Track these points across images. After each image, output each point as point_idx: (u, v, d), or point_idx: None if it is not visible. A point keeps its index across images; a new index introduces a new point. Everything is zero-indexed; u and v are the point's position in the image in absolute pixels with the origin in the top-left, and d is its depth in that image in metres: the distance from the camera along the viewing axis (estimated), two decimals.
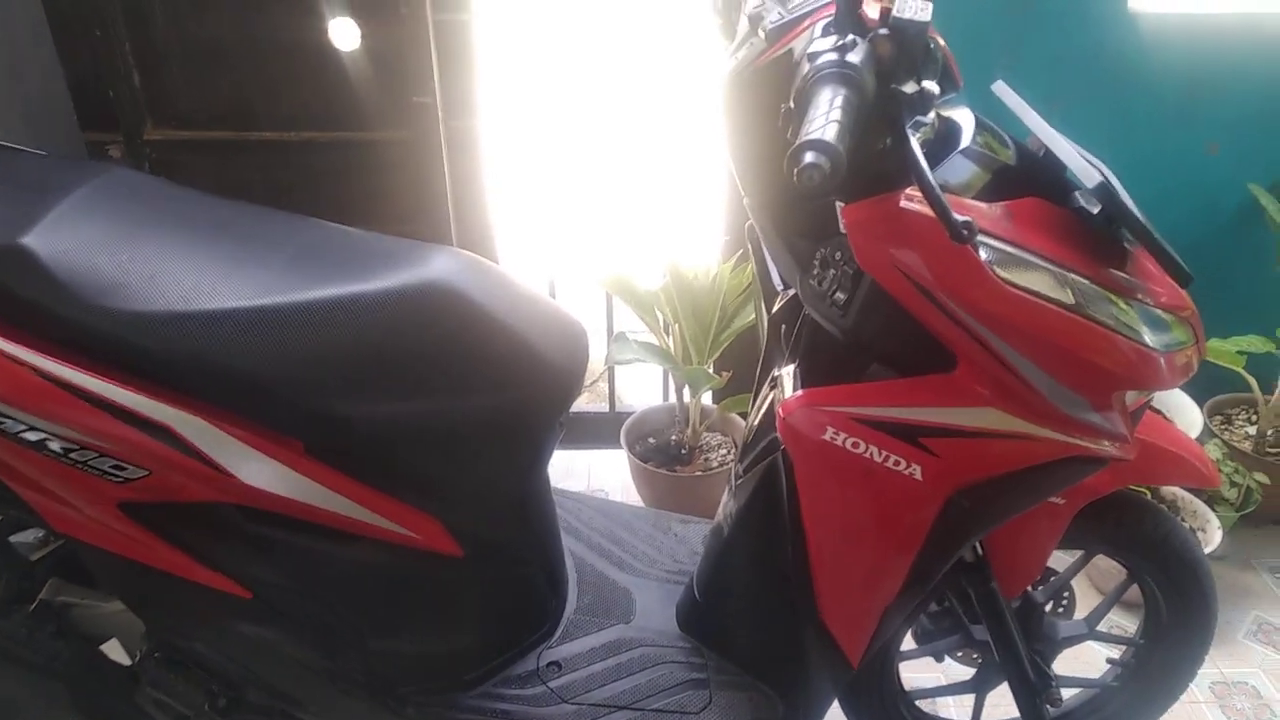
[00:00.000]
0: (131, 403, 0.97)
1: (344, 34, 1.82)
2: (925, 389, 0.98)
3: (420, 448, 1.12)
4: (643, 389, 2.51)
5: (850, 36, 0.83)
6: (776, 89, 0.93)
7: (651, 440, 2.10)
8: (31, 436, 0.98)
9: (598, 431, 2.29)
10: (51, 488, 1.04)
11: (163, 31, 1.85)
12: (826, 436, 0.98)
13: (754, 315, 1.90)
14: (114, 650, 1.34)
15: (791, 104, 0.83)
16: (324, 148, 1.93)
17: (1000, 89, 1.07)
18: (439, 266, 1.10)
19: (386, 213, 1.99)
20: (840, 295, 0.99)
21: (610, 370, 2.45)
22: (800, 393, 1.01)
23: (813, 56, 0.82)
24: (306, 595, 1.14)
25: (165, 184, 1.19)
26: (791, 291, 1.20)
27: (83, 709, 1.27)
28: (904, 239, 0.90)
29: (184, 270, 1.02)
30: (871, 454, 0.98)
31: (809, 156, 0.72)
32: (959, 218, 0.78)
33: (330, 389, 1.04)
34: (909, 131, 0.82)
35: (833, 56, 0.80)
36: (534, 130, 2.34)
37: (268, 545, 1.10)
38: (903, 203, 0.89)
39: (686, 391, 2.05)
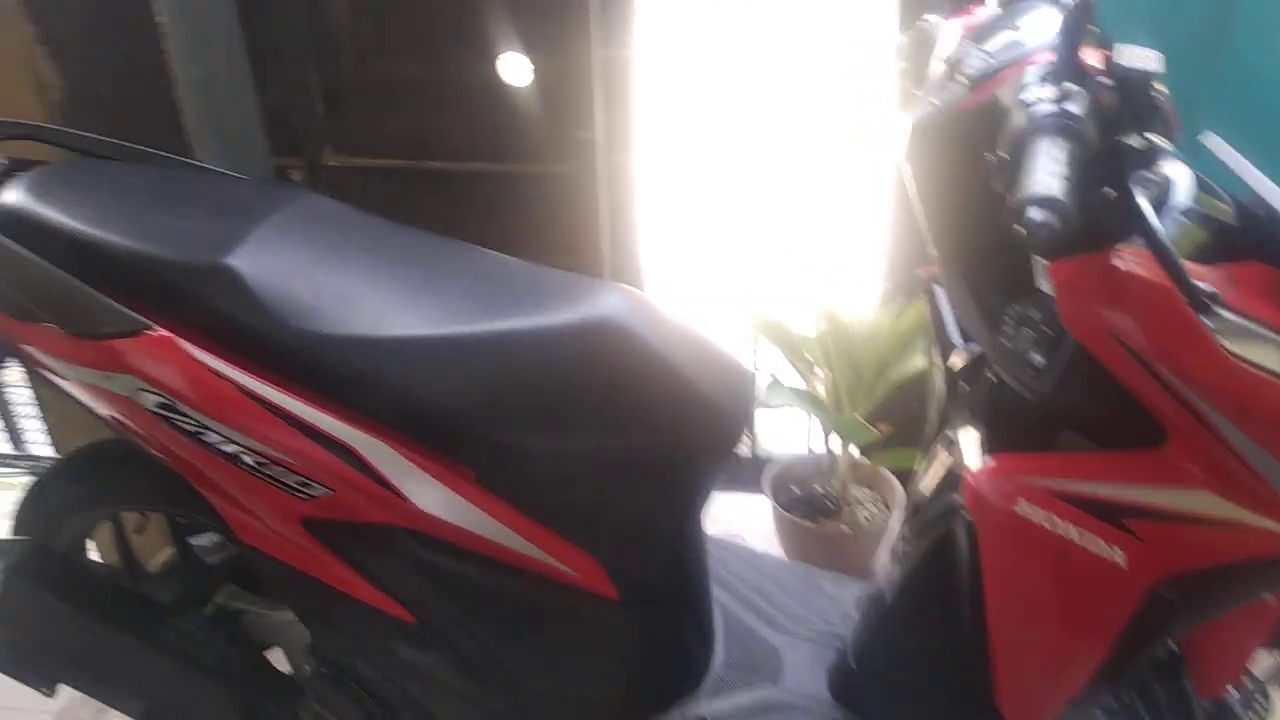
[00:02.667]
0: (320, 422, 1.01)
1: (515, 70, 1.87)
2: (1131, 464, 0.90)
3: (584, 484, 1.12)
4: (783, 435, 2.46)
5: (1070, 85, 0.78)
6: (977, 138, 0.89)
7: (796, 490, 2.05)
8: (229, 449, 1.03)
9: (738, 475, 2.26)
10: (240, 498, 1.09)
11: (347, 66, 1.95)
12: (1019, 509, 0.92)
13: (912, 368, 1.83)
14: (277, 659, 1.39)
15: (1004, 154, 0.79)
16: (489, 178, 1.99)
17: (1212, 141, 0.99)
18: (610, 304, 1.10)
19: (544, 243, 2.03)
20: (1037, 357, 0.93)
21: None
22: (990, 460, 0.95)
23: (1029, 105, 0.78)
24: (466, 625, 1.15)
25: (354, 211, 1.24)
26: (974, 348, 1.14)
27: (244, 714, 1.32)
28: (1118, 301, 0.84)
29: (371, 296, 1.06)
30: (1069, 532, 0.91)
31: (1036, 212, 0.68)
32: (1201, 285, 0.72)
33: (503, 419, 1.05)
34: (1135, 188, 0.77)
35: (1052, 106, 0.76)
36: (690, 165, 2.36)
37: (434, 571, 1.11)
38: (1117, 262, 0.83)
39: (835, 442, 1.99)
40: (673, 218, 2.50)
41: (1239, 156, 0.92)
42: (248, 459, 1.03)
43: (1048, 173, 0.70)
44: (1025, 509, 0.91)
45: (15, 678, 1.32)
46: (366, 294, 1.06)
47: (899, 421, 1.90)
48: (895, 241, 2.00)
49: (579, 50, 1.85)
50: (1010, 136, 0.78)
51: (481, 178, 1.98)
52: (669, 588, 1.25)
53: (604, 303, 1.10)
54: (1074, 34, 0.80)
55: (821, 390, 1.92)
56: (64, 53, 1.65)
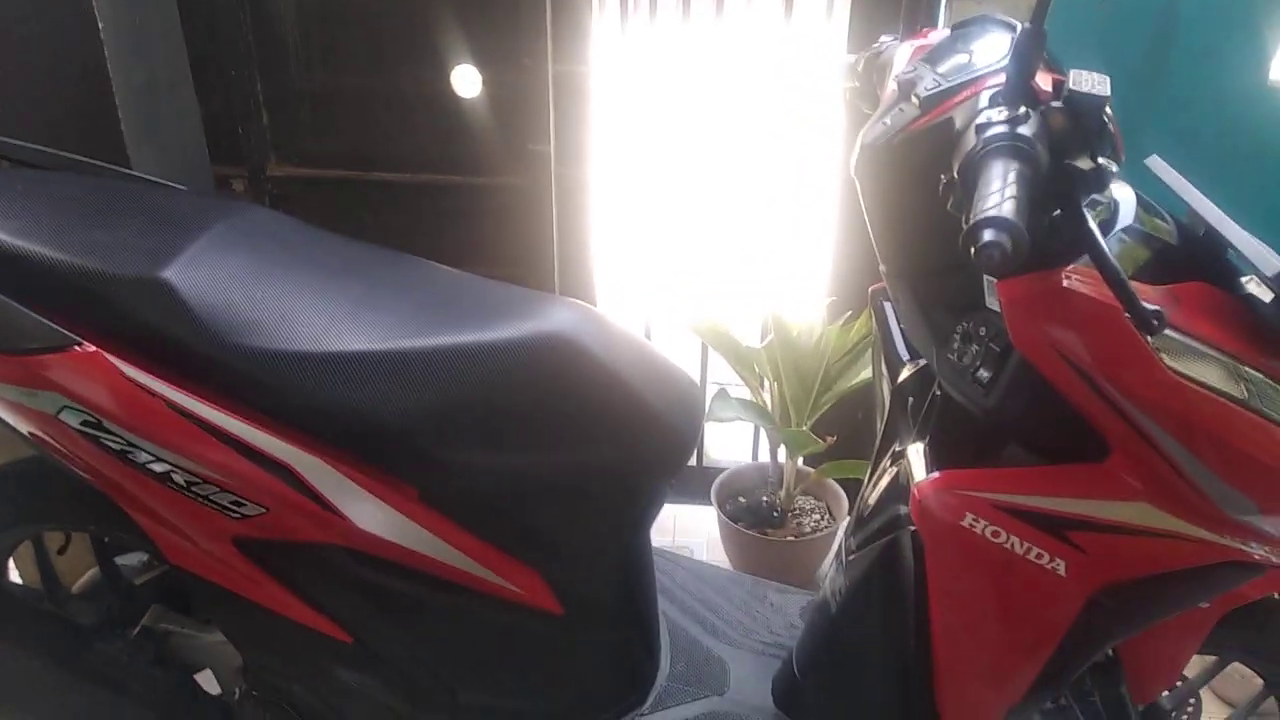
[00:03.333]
0: (256, 440, 0.97)
1: (466, 82, 1.85)
2: (1074, 478, 0.92)
3: (532, 500, 1.10)
4: (729, 444, 2.47)
5: (1022, 108, 0.79)
6: (929, 158, 0.89)
7: (742, 500, 2.05)
8: (158, 468, 0.99)
9: (684, 485, 2.25)
10: (170, 518, 1.05)
11: (294, 74, 1.91)
12: (965, 522, 0.92)
13: (858, 380, 1.85)
14: (207, 681, 1.34)
15: (955, 175, 0.80)
16: (438, 190, 1.96)
17: (1156, 164, 1.02)
18: (560, 319, 1.09)
19: (494, 255, 2.01)
20: (984, 373, 0.94)
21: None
22: (937, 474, 0.96)
23: (981, 128, 0.78)
24: (405, 644, 1.13)
25: (297, 224, 1.20)
26: (921, 363, 1.15)
27: None
28: (1065, 319, 0.85)
29: (314, 311, 1.03)
30: (1013, 544, 0.92)
31: (988, 234, 0.68)
32: (1149, 306, 0.74)
33: (449, 437, 1.03)
34: (1085, 211, 0.78)
35: (1004, 129, 0.77)
36: (639, 177, 2.36)
37: (373, 590, 1.08)
38: (1065, 281, 0.84)
39: (781, 453, 2.00)
40: (623, 230, 2.50)
41: (1181, 179, 0.94)
42: (178, 478, 0.99)
43: (999, 194, 0.70)
44: (970, 522, 0.92)
45: None
46: (307, 309, 1.03)
47: (844, 433, 1.92)
48: (842, 254, 2.01)
49: (535, 64, 1.83)
50: (963, 157, 0.78)
51: (430, 189, 1.95)
52: (615, 602, 1.24)
53: (553, 317, 1.08)
54: (1026, 58, 0.82)
55: (769, 401, 1.93)
56: None
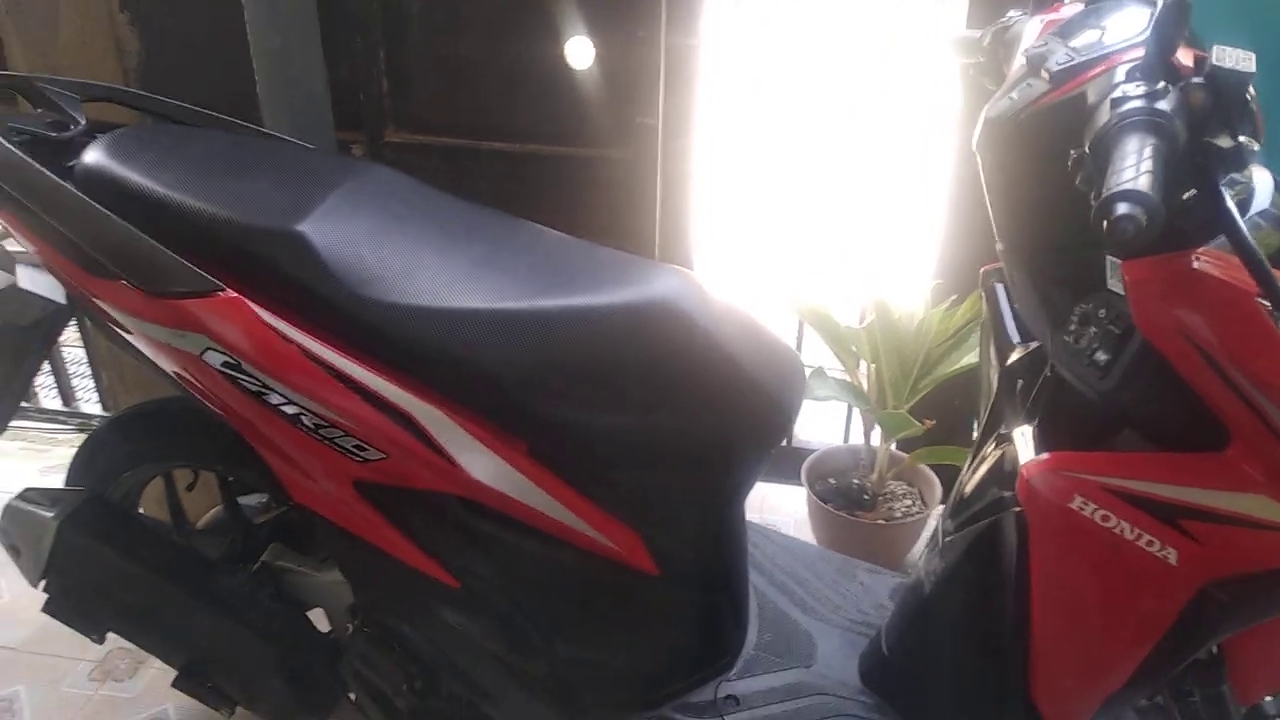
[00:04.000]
0: (381, 389, 1.03)
1: (579, 54, 1.88)
2: (1191, 466, 0.90)
3: (634, 462, 1.13)
4: (820, 426, 2.46)
5: (1161, 83, 0.78)
6: (1058, 133, 0.88)
7: (832, 481, 2.05)
8: (289, 410, 1.05)
9: (774, 464, 2.25)
10: (297, 459, 1.11)
11: (414, 44, 1.97)
12: (1074, 505, 0.92)
13: (960, 365, 1.82)
14: (319, 620, 1.42)
15: (1087, 149, 0.79)
16: (547, 160, 2.00)
17: None
18: (667, 286, 1.11)
19: (597, 226, 2.03)
20: (1102, 355, 0.93)
21: None
22: (1046, 455, 0.95)
23: (1117, 102, 0.77)
24: (509, 592, 1.17)
25: (420, 185, 1.26)
26: (1033, 345, 1.14)
27: (285, 671, 1.35)
28: (1194, 302, 0.83)
29: (437, 268, 1.08)
30: (1122, 530, 0.91)
31: (1123, 208, 0.67)
32: None
33: (557, 394, 1.06)
34: (1224, 190, 0.76)
35: (1141, 103, 0.76)
36: (744, 153, 2.35)
37: (481, 539, 1.13)
38: (1194, 263, 0.83)
39: (875, 436, 1.99)
40: (726, 206, 2.50)
41: None
42: (307, 420, 1.05)
43: (1134, 168, 0.70)
44: (1079, 504, 0.91)
45: (67, 624, 1.36)
46: (431, 266, 1.08)
47: (940, 419, 1.90)
48: (949, 237, 1.98)
49: (648, 37, 1.85)
50: (1097, 132, 0.77)
51: (540, 159, 1.99)
52: (708, 568, 1.27)
53: (661, 284, 1.11)
54: (1169, 31, 0.80)
55: (865, 383, 1.92)
56: (144, 19, 1.69)
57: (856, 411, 2.14)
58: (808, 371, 1.92)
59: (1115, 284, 0.91)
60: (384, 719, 1.31)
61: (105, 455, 1.43)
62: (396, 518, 1.13)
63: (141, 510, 1.55)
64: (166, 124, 1.28)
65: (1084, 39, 0.93)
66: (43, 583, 1.32)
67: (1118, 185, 0.69)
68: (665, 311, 1.09)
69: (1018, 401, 1.11)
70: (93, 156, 1.08)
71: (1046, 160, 0.90)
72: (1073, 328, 0.97)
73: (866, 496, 1.97)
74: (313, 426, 1.06)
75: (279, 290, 1.03)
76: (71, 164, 1.09)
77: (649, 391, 1.10)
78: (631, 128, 1.91)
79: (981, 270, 1.27)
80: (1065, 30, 0.97)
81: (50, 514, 1.28)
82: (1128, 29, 0.90)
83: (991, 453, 1.16)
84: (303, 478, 1.13)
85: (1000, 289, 1.22)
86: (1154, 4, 0.95)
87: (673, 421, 1.12)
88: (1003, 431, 1.14)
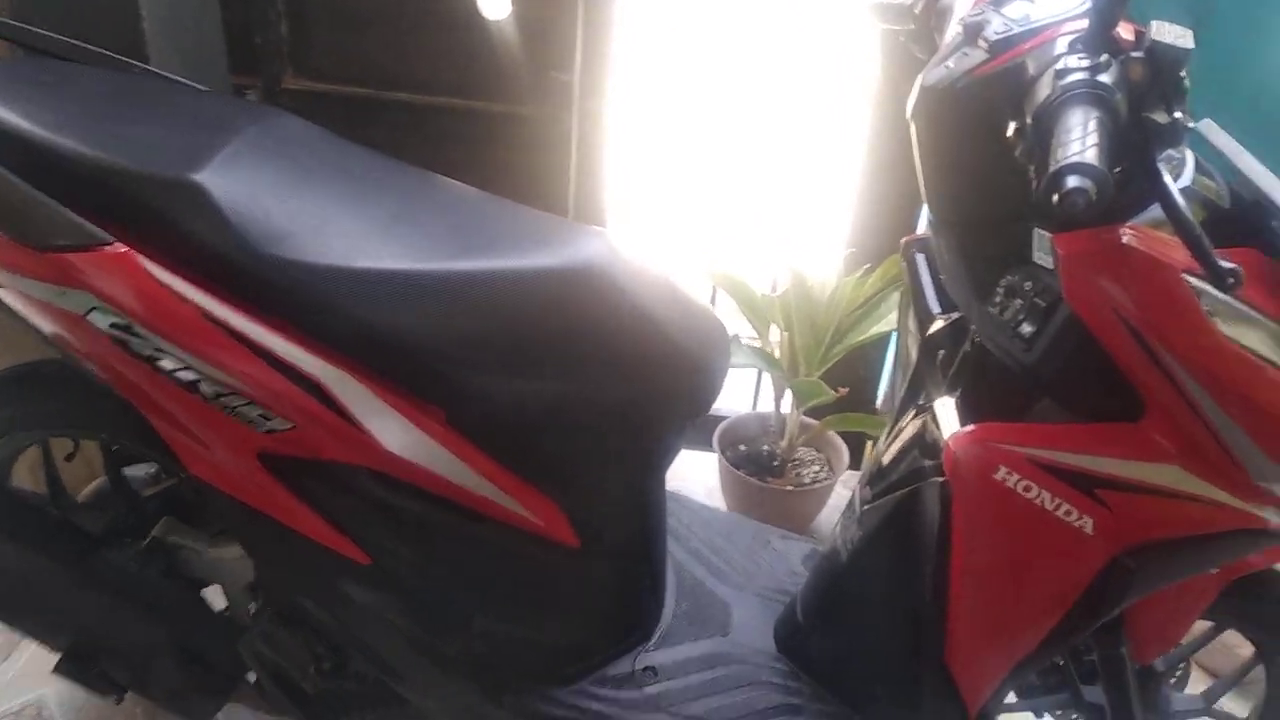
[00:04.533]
0: (287, 353, 0.96)
1: (492, 3, 1.80)
2: (1109, 437, 0.92)
3: (555, 431, 1.10)
4: (728, 392, 2.47)
5: (1104, 56, 0.78)
6: (996, 104, 0.88)
7: (743, 448, 2.06)
8: (186, 376, 0.97)
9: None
10: (194, 428, 1.04)
11: None
12: (998, 476, 0.93)
13: (870, 333, 1.85)
14: (213, 597, 1.34)
15: (1028, 121, 0.79)
16: (455, 114, 1.91)
17: (1208, 127, 1.01)
18: (590, 249, 1.07)
19: (509, 185, 1.96)
20: (1026, 328, 0.94)
21: None
22: (973, 426, 0.96)
23: (1061, 74, 0.77)
24: (424, 568, 1.13)
25: (328, 135, 1.18)
26: (954, 316, 1.15)
27: (178, 653, 1.27)
28: (1122, 276, 0.85)
29: (349, 225, 1.01)
30: (1043, 500, 0.93)
31: (1073, 180, 0.67)
32: (1225, 264, 0.73)
33: (478, 360, 1.02)
34: (1160, 166, 0.77)
35: (1084, 75, 0.76)
36: (661, 113, 2.31)
37: (395, 513, 1.08)
38: (1124, 237, 0.84)
39: (785, 403, 2.00)
40: (641, 166, 2.45)
41: (1236, 144, 0.93)
42: (206, 387, 0.98)
43: (1080, 141, 0.69)
44: (1003, 475, 0.93)
45: None
46: (341, 222, 1.01)
47: (851, 385, 1.92)
48: (865, 205, 2.00)
49: None
50: (1040, 104, 0.77)
51: (447, 112, 1.91)
52: (629, 539, 1.25)
53: (582, 247, 1.07)
54: (1111, 4, 0.80)
55: (777, 351, 1.93)
56: None
57: (766, 378, 2.16)
58: None
59: (1043, 258, 0.92)
60: (287, 700, 1.25)
61: None
62: (304, 491, 1.07)
63: (13, 484, 1.42)
64: (47, 59, 1.16)
65: (1019, 8, 0.92)
66: None
67: (1065, 158, 0.68)
68: (587, 275, 1.05)
69: (939, 372, 1.12)
70: None
71: (982, 130, 0.90)
72: (998, 299, 0.98)
73: (776, 463, 1.99)
74: (212, 394, 0.98)
75: (174, 245, 0.94)
76: None
77: (571, 359, 1.07)
78: (546, 83, 1.85)
79: (903, 240, 1.27)
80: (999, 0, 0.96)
81: None
82: (1063, 1, 0.90)
83: (911, 422, 1.17)
84: (200, 448, 1.06)
85: (921, 259, 1.23)
86: None
87: (595, 390, 1.09)
88: (922, 403, 1.15)
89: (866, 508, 1.19)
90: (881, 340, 1.87)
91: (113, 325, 0.95)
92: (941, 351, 1.14)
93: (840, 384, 1.87)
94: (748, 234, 2.34)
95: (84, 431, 1.32)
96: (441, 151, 1.96)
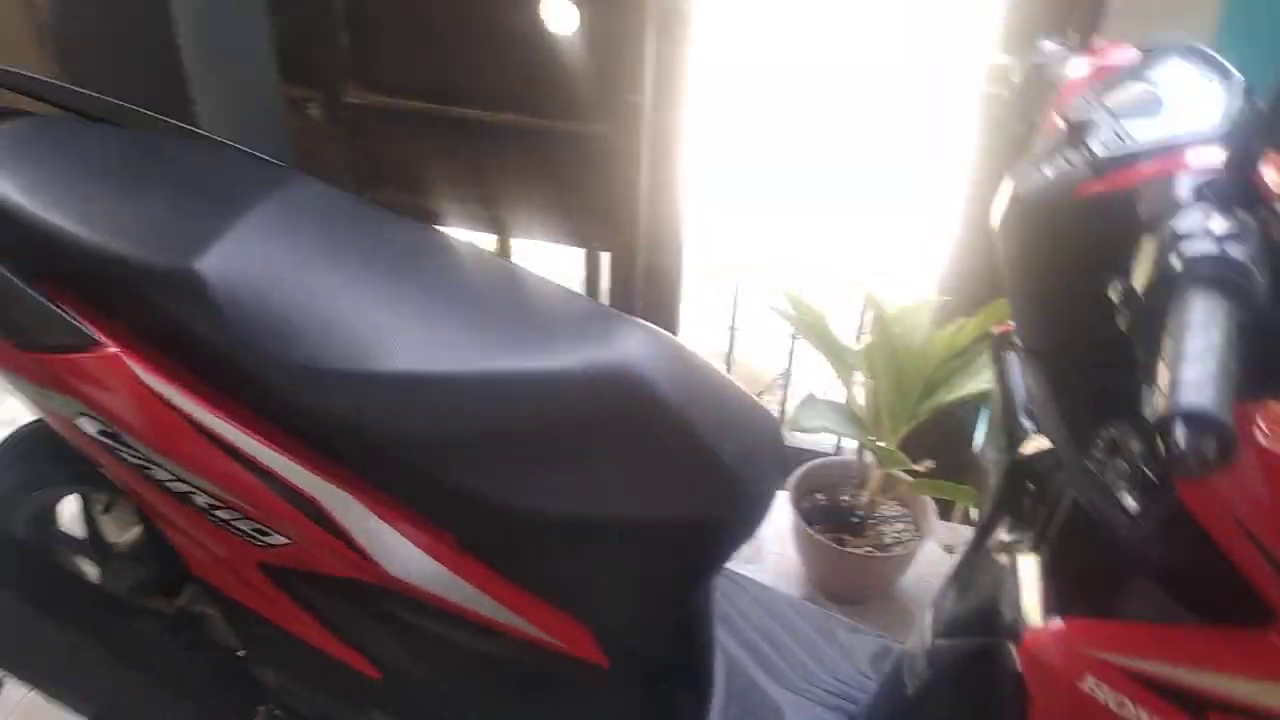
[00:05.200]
0: (282, 469, 0.88)
1: (561, 17, 1.66)
2: (1225, 647, 0.75)
3: (583, 551, 0.99)
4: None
5: (1239, 215, 0.60)
6: (1099, 234, 0.71)
7: (821, 497, 1.90)
8: (178, 488, 0.90)
9: None
10: (193, 535, 0.97)
11: None
12: (1085, 686, 0.77)
13: (962, 392, 1.66)
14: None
15: (1137, 289, 0.62)
16: (520, 132, 1.80)
17: None
18: (631, 348, 0.94)
19: (577, 206, 1.86)
20: (1131, 501, 0.77)
21: (783, 404, 2.27)
22: (1058, 622, 0.80)
23: (1182, 239, 0.60)
24: (437, 686, 1.05)
25: (353, 203, 1.09)
26: (1047, 445, 0.98)
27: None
28: (1249, 482, 0.67)
29: (360, 318, 0.91)
30: (1139, 719, 0.77)
31: (1189, 436, 0.51)
32: None
33: (496, 476, 0.91)
34: None
35: (1213, 247, 0.59)
36: (738, 134, 2.14)
37: (405, 629, 1.00)
38: (1258, 436, 0.66)
39: (869, 451, 1.84)
40: (717, 189, 2.28)
41: None
42: (199, 500, 0.91)
43: (1202, 362, 0.53)
44: (1092, 687, 0.77)
45: None
46: (352, 314, 0.91)
47: (940, 453, 1.75)
48: (961, 250, 1.80)
49: (636, 6, 1.63)
50: (1155, 274, 0.60)
51: (513, 130, 1.79)
52: (666, 657, 1.14)
53: (623, 347, 0.94)
54: (1251, 143, 0.62)
55: (860, 397, 1.76)
56: None
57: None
58: (797, 403, 1.75)
59: (1151, 411, 0.75)
60: None
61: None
62: (309, 603, 0.99)
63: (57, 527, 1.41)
64: (59, 120, 1.08)
65: (1138, 109, 0.74)
66: None
67: (1183, 400, 0.52)
68: (626, 380, 0.92)
69: (1026, 510, 0.96)
70: None
71: (1080, 259, 0.74)
72: (1097, 455, 0.81)
73: (855, 519, 1.83)
74: (206, 506, 0.91)
75: (167, 343, 0.87)
76: None
77: (604, 472, 0.95)
78: (614, 102, 1.71)
79: (995, 332, 1.09)
80: (1113, 87, 0.78)
81: None
82: (1193, 110, 0.72)
83: (989, 558, 1.01)
84: (201, 553, 0.99)
85: (1014, 360, 1.05)
86: (1221, 74, 0.76)
87: (629, 507, 0.97)
88: (1006, 537, 0.99)
89: (939, 643, 1.05)
90: (978, 399, 1.68)
91: (101, 432, 0.88)
92: (1031, 485, 0.97)
93: (931, 444, 1.70)
94: (831, 270, 2.16)
95: (113, 491, 1.28)
96: (509, 170, 1.85)
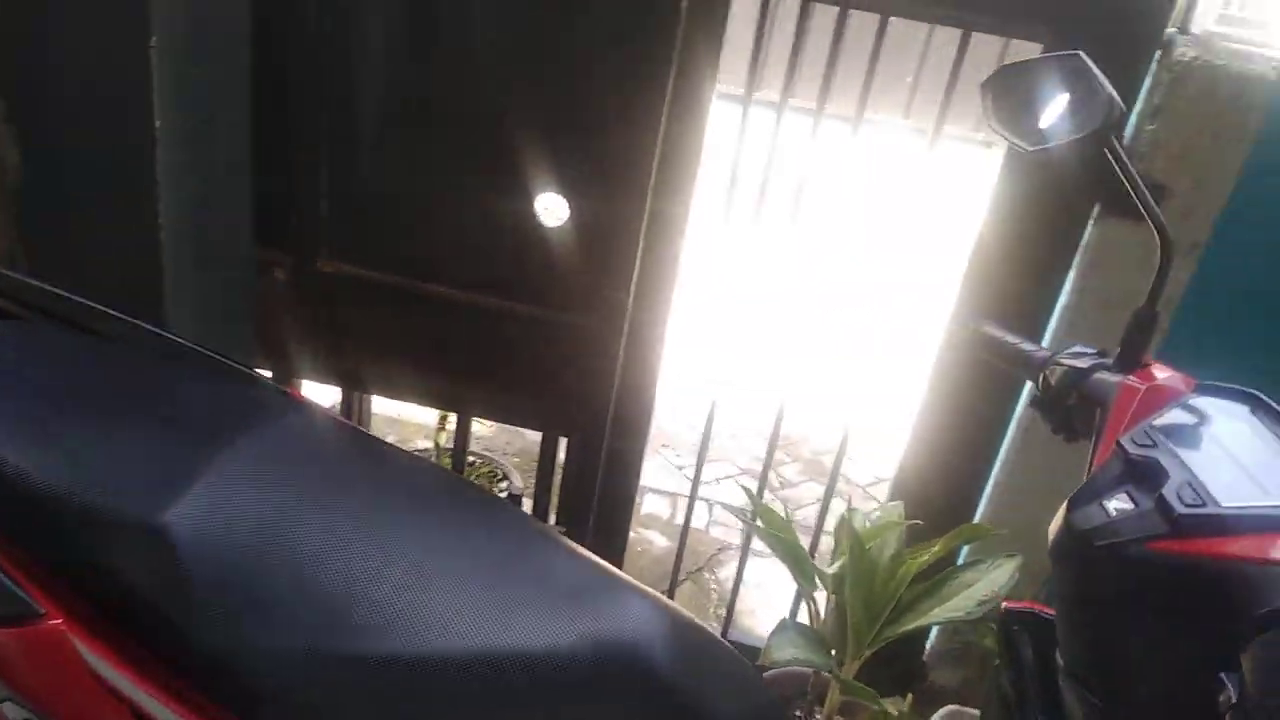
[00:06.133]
0: None
1: (552, 209, 1.65)
2: None
3: None
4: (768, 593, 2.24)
5: None
6: (1180, 597, 0.67)
7: None
8: None
9: None
10: None
11: (365, 170, 1.72)
12: None
13: (926, 619, 1.62)
14: None
15: (1255, 690, 0.58)
16: (496, 315, 1.76)
17: None
18: (632, 625, 0.88)
19: (543, 391, 1.81)
20: None
21: (734, 593, 2.20)
22: None
23: None
24: None
25: (352, 433, 1.02)
26: None
27: None
28: None
29: (342, 580, 0.83)
30: None
31: None
32: None
33: None
34: None
35: None
36: (716, 328, 2.15)
37: None
38: None
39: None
40: (694, 374, 2.27)
41: None
42: None
43: None
44: None
45: None
46: (338, 578, 0.83)
47: (894, 658, 1.70)
48: (926, 470, 1.81)
49: (630, 205, 1.63)
50: (1268, 675, 0.56)
51: (491, 313, 1.75)
52: None
53: (625, 623, 0.88)
54: None
55: (821, 611, 1.71)
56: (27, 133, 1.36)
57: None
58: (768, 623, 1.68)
59: None
60: None
61: None
62: None
63: None
64: (21, 329, 0.98)
65: (1210, 461, 0.72)
66: None
67: None
68: (626, 660, 0.86)
69: None
70: None
71: (1157, 617, 0.70)
72: None
73: None
74: None
75: (120, 610, 0.77)
76: None
77: None
78: (599, 297, 1.69)
79: (1003, 606, 1.06)
80: (1177, 427, 0.76)
81: None
82: (1274, 478, 0.70)
83: None
84: None
85: (1027, 640, 1.02)
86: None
87: None
88: None
89: None
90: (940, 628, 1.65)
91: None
92: None
93: (888, 665, 1.65)
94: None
95: None
96: (480, 351, 1.80)
